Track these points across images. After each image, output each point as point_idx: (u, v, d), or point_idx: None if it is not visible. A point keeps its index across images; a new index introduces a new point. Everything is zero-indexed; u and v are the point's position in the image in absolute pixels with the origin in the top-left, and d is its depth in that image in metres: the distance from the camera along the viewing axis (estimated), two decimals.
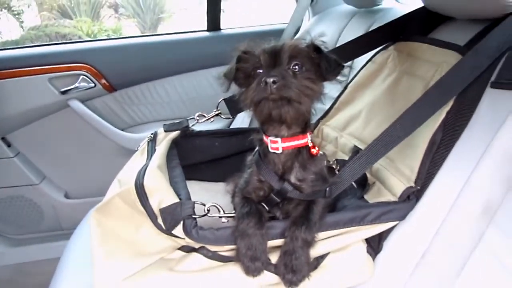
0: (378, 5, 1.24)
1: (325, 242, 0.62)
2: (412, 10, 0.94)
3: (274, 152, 0.64)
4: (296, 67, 0.61)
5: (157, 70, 1.68)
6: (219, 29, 1.74)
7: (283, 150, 0.64)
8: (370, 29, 1.11)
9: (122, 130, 1.72)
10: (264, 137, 0.65)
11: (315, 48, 0.63)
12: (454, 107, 0.68)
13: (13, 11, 7.31)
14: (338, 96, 1.01)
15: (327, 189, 0.63)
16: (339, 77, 1.05)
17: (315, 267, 0.62)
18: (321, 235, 0.61)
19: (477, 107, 0.66)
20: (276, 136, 0.64)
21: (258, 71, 0.62)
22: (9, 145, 1.67)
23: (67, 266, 1.12)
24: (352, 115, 0.93)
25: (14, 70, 1.58)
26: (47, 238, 1.79)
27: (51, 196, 1.76)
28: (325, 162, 0.68)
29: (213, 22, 1.72)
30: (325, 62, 0.61)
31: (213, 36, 1.74)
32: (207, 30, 1.74)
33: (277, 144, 0.64)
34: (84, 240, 1.19)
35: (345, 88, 1.00)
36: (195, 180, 0.94)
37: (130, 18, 8.64)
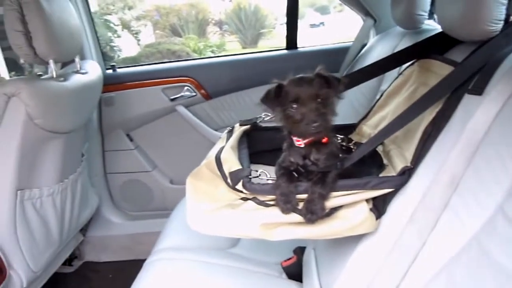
0: (419, 27, 1.46)
1: (336, 198, 0.90)
2: (434, 34, 1.18)
3: (298, 145, 0.94)
4: (323, 100, 0.86)
5: (244, 82, 2.05)
6: (296, 47, 2.07)
7: (304, 144, 0.93)
8: None
9: (215, 130, 2.12)
10: (292, 136, 0.94)
11: (326, 78, 0.88)
12: (442, 108, 0.92)
13: (132, 30, 8.05)
14: (376, 101, 1.28)
15: (338, 163, 0.91)
16: None
17: (329, 215, 0.90)
18: (333, 193, 0.89)
19: (456, 108, 0.89)
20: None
21: (292, 104, 0.87)
22: (131, 140, 2.17)
23: (169, 229, 1.51)
24: (382, 116, 1.19)
25: (136, 82, 2.07)
26: (155, 215, 2.24)
27: (160, 181, 2.22)
28: (340, 145, 0.96)
29: (291, 41, 2.05)
30: (337, 85, 0.88)
31: (290, 54, 2.07)
32: (286, 49, 2.08)
33: (300, 142, 0.93)
34: (181, 213, 1.58)
35: (381, 95, 1.26)
36: (259, 164, 1.26)
37: (232, 34, 9.23)
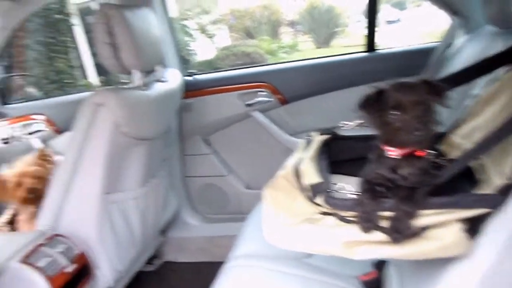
0: None
1: (425, 217, 0.83)
2: None
3: (389, 156, 0.88)
4: (426, 108, 0.80)
5: (322, 86, 2.00)
6: (374, 49, 1.98)
7: (398, 155, 0.87)
8: None
9: (291, 135, 2.09)
10: (383, 146, 0.89)
11: (431, 84, 0.82)
12: None
13: (208, 34, 8.26)
14: (464, 109, 1.17)
15: (429, 179, 0.84)
16: None
17: (417, 235, 0.84)
18: (422, 212, 0.83)
19: None
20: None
21: (393, 111, 0.81)
22: (209, 145, 2.22)
23: (245, 236, 1.51)
24: (475, 126, 1.09)
25: (213, 88, 2.11)
26: (230, 219, 2.27)
27: (235, 186, 2.24)
28: (432, 161, 0.89)
29: (370, 43, 1.97)
30: (442, 93, 0.82)
31: (369, 56, 1.98)
32: (365, 51, 2.00)
33: (394, 153, 0.87)
34: (257, 219, 1.57)
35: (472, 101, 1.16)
36: (339, 174, 1.22)
37: (305, 34, 9.17)
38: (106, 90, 1.42)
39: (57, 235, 1.42)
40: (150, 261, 2.25)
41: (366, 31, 1.97)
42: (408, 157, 0.86)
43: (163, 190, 1.90)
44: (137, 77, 1.54)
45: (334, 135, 1.20)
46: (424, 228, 0.85)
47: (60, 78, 6.44)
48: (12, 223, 1.70)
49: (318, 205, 0.91)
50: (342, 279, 1.29)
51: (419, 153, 0.85)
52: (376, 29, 1.96)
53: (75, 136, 1.44)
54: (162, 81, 1.72)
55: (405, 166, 0.86)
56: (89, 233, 1.49)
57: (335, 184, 0.92)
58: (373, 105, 0.86)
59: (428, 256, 0.86)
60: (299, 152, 1.14)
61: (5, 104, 2.33)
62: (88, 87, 6.41)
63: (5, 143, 2.23)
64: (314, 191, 0.92)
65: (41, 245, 1.35)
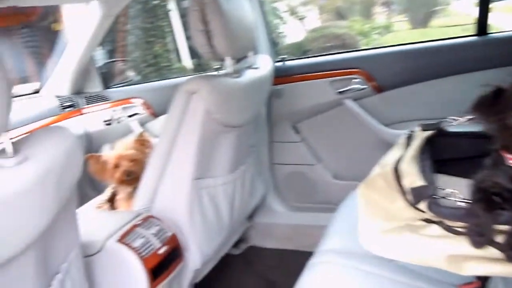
0: None
1: None
2: None
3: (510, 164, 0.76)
4: None
5: (422, 73, 1.85)
6: (486, 33, 1.77)
7: None
8: None
9: (386, 126, 1.97)
10: (502, 152, 0.77)
11: None
12: None
13: (298, 16, 8.09)
14: None
15: None
16: None
17: None
18: None
19: None
20: None
21: None
22: (298, 132, 2.18)
23: (334, 229, 1.45)
24: None
25: (305, 75, 2.04)
26: (317, 208, 2.22)
27: (324, 175, 2.18)
28: None
29: (481, 25, 1.75)
30: None
31: (479, 41, 1.77)
32: (474, 35, 1.79)
33: None
34: (347, 212, 1.51)
35: None
36: (443, 174, 1.10)
37: (400, 14, 8.61)
38: (199, 77, 1.43)
39: (151, 216, 1.48)
40: (236, 245, 2.29)
41: (477, 11, 1.76)
42: None
43: (251, 176, 1.90)
44: (229, 64, 1.54)
45: (439, 131, 1.08)
46: None
47: (156, 62, 6.77)
48: (111, 201, 1.81)
49: (420, 210, 0.83)
50: (439, 286, 1.18)
51: None
52: (489, 7, 1.73)
53: (168, 122, 1.48)
54: (254, 68, 1.70)
55: None
56: (180, 217, 1.53)
57: (441, 189, 0.83)
58: (490, 106, 0.75)
59: None
60: (399, 149, 1.05)
61: (107, 88, 2.48)
62: (183, 70, 6.68)
63: (107, 124, 2.38)
64: (416, 195, 0.84)
65: (136, 225, 1.41)
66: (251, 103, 1.67)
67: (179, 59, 6.93)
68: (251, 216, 2.26)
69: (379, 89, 1.92)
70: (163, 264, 1.38)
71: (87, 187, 2.41)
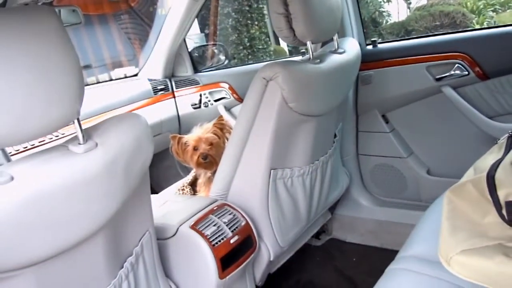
0: None
1: None
2: None
3: None
4: None
5: None
6: None
7: None
8: None
9: (491, 118, 1.73)
10: None
11: None
12: None
13: None
14: None
15: None
16: None
17: None
18: None
19: None
20: None
21: None
22: (387, 122, 2.01)
23: (420, 233, 1.31)
24: None
25: (398, 59, 1.86)
26: (406, 205, 2.05)
27: (415, 170, 2.00)
28: None
29: None
30: None
31: None
32: None
33: None
34: (439, 214, 1.35)
35: None
36: None
37: None
38: (276, 63, 1.36)
39: (226, 204, 1.47)
40: (317, 236, 2.22)
41: None
42: None
43: (333, 167, 1.80)
44: (310, 49, 1.45)
45: None
46: None
47: (253, 44, 6.84)
48: (193, 185, 1.85)
49: None
50: None
51: None
52: None
53: (244, 109, 1.44)
54: (339, 53, 1.58)
55: None
56: (255, 206, 1.50)
57: None
58: None
59: None
60: (497, 151, 0.89)
61: (197, 72, 2.53)
62: (279, 52, 6.67)
63: (195, 108, 2.44)
64: (511, 210, 0.69)
65: (210, 212, 1.41)
66: (334, 90, 1.56)
67: (277, 41, 6.93)
68: (333, 208, 2.16)
69: (484, 76, 1.68)
70: (234, 253, 1.37)
71: (178, 167, 2.52)
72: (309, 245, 2.17)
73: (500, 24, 1.73)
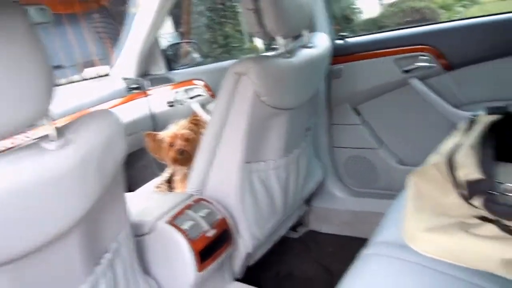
0: None
1: None
2: None
3: None
4: None
5: (498, 49, 1.64)
6: None
7: None
8: None
9: (456, 107, 1.79)
10: None
11: None
12: None
13: None
14: None
15: None
16: None
17: None
18: None
19: None
20: None
21: None
22: (359, 114, 2.06)
23: (390, 219, 1.35)
24: None
25: (366, 53, 1.91)
26: (379, 195, 2.10)
27: (386, 160, 2.05)
28: None
29: None
30: None
31: None
32: None
33: None
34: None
35: None
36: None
37: None
38: (248, 59, 1.39)
39: (202, 199, 1.49)
40: (295, 228, 2.26)
41: None
42: None
43: (307, 160, 1.84)
44: (280, 44, 1.48)
45: (507, 115, 0.95)
46: None
47: (227, 42, 6.83)
48: (169, 182, 1.86)
49: (476, 207, 0.73)
50: (502, 285, 1.05)
51: None
52: None
53: (218, 105, 1.46)
54: (308, 47, 1.62)
55: None
56: (231, 200, 1.52)
57: (500, 183, 0.72)
58: None
59: None
60: (457, 136, 0.94)
61: (171, 70, 2.53)
62: (254, 50, 6.68)
63: (170, 106, 2.44)
64: (471, 190, 0.74)
65: (187, 207, 1.42)
66: (305, 84, 1.60)
67: (251, 39, 6.94)
68: (309, 200, 2.20)
69: (449, 67, 1.74)
70: (212, 246, 1.39)
71: (154, 166, 2.51)
72: (287, 238, 2.20)
73: (464, 17, 1.78)
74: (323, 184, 2.17)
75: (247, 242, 1.55)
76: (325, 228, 2.24)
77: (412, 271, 1.05)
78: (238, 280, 1.64)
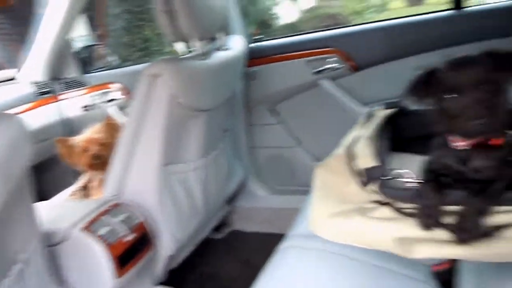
0: None
1: (501, 215, 0.68)
2: None
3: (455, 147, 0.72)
4: (492, 88, 0.64)
5: (397, 51, 1.79)
6: (461, 7, 1.71)
7: (466, 146, 0.71)
8: None
9: (365, 105, 1.92)
10: (446, 136, 0.73)
11: (499, 57, 0.66)
12: None
13: None
14: None
15: (510, 171, 0.68)
16: None
17: (489, 235, 0.69)
18: (497, 208, 0.68)
19: None
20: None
21: (449, 94, 0.68)
22: (275, 114, 2.13)
23: (305, 212, 1.42)
24: None
25: (280, 55, 1.99)
26: (298, 191, 2.16)
27: (303, 157, 2.15)
28: None
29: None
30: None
31: (456, 15, 1.72)
32: (450, 9, 1.74)
33: (458, 144, 0.71)
34: None
35: None
36: (405, 153, 1.07)
37: None
38: (163, 61, 1.39)
39: (119, 204, 1.45)
40: (218, 229, 2.27)
41: None
42: (480, 148, 0.70)
43: (226, 160, 1.87)
44: (196, 46, 1.49)
45: (401, 110, 1.05)
46: (499, 227, 0.71)
47: (146, 46, 6.66)
48: (85, 189, 1.79)
49: (372, 192, 0.80)
50: (412, 268, 1.15)
51: (494, 141, 0.69)
52: None
53: (134, 108, 1.44)
54: (224, 49, 1.65)
55: (477, 158, 0.70)
56: (150, 203, 1.50)
57: (392, 169, 0.79)
58: (423, 88, 0.72)
59: (505, 260, 0.71)
60: (357, 129, 1.02)
61: (86, 73, 2.43)
62: (174, 54, 6.58)
63: (85, 110, 2.34)
64: (368, 177, 0.81)
65: (103, 213, 1.38)
66: (221, 85, 1.63)
67: (171, 43, 6.84)
68: (232, 200, 2.23)
69: (356, 68, 1.87)
70: (131, 251, 1.36)
71: (69, 174, 2.38)
72: (211, 239, 2.21)
73: (368, 21, 1.93)
74: (244, 184, 2.22)
75: (168, 244, 1.54)
76: (248, 227, 2.28)
77: (321, 258, 1.12)
78: (161, 283, 1.63)
